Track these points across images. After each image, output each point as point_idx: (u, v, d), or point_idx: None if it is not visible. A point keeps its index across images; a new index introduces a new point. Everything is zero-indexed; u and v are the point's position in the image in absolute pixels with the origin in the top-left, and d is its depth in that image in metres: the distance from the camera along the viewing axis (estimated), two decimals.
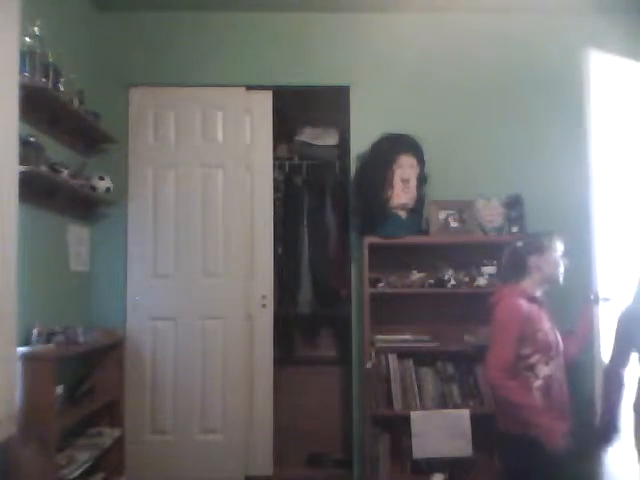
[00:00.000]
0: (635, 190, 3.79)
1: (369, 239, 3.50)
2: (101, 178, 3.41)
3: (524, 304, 2.47)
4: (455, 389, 3.52)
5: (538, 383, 2.41)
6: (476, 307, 3.56)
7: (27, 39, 2.63)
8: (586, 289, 3.04)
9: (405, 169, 3.53)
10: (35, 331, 2.73)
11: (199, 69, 3.79)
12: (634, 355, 2.46)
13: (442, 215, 3.64)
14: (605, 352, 3.19)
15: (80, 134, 3.40)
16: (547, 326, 2.49)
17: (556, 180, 3.79)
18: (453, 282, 3.48)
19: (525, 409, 2.36)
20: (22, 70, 2.55)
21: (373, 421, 3.45)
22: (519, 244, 2.64)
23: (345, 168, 4.01)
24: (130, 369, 3.60)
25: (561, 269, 2.57)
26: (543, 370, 2.42)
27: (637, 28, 3.85)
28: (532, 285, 2.55)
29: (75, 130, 3.30)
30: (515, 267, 2.60)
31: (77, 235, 3.45)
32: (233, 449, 3.64)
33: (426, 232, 3.64)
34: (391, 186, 3.52)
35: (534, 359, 2.42)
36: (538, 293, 2.56)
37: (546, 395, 2.41)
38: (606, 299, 2.84)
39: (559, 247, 2.58)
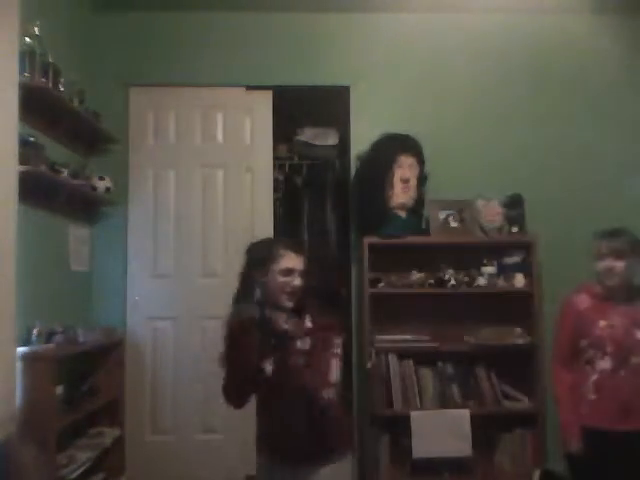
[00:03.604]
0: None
1: (369, 239, 3.50)
2: (101, 178, 3.41)
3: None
4: (455, 389, 3.52)
5: (594, 377, 2.39)
6: (476, 307, 3.59)
7: (27, 39, 2.64)
8: None
9: (405, 169, 3.53)
10: (35, 331, 2.73)
11: (199, 69, 3.79)
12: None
13: (442, 215, 3.64)
14: None
15: (80, 134, 3.40)
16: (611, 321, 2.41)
17: (556, 180, 3.80)
18: (453, 282, 3.48)
19: (557, 401, 2.46)
20: (22, 70, 2.55)
21: (373, 421, 3.45)
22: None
23: (345, 168, 4.01)
24: (130, 369, 3.60)
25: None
26: (600, 364, 2.39)
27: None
28: None
29: (75, 130, 3.30)
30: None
31: (77, 235, 3.45)
32: (233, 449, 3.64)
33: (426, 232, 3.64)
34: (391, 186, 3.52)
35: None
36: None
37: (598, 390, 2.38)
38: None
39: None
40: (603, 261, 2.40)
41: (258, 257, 2.04)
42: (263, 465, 2.09)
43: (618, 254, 2.38)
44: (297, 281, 1.99)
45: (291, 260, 2.00)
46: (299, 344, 1.94)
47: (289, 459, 1.99)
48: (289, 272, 1.98)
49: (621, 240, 2.40)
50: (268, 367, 1.94)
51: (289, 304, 1.98)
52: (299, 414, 1.92)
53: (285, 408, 1.94)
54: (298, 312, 2.01)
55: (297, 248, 2.06)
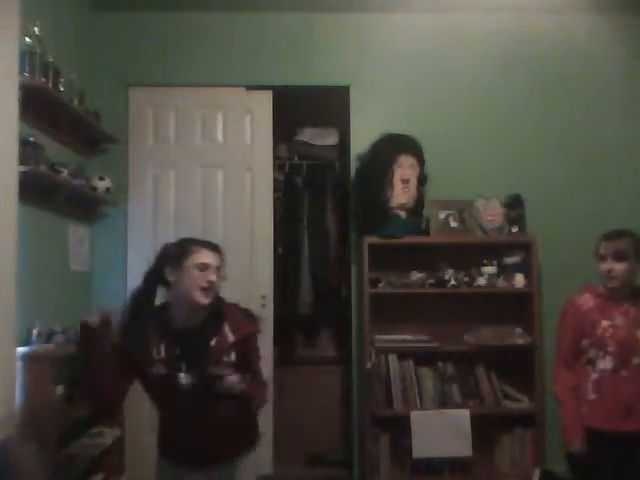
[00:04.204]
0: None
1: (369, 239, 3.50)
2: (101, 178, 3.41)
3: None
4: (455, 389, 3.52)
5: (594, 377, 2.39)
6: (476, 307, 3.59)
7: (27, 39, 2.63)
8: None
9: (405, 169, 3.53)
10: (35, 331, 2.73)
11: (199, 69, 3.79)
12: None
13: (442, 215, 3.64)
14: None
15: (80, 134, 3.39)
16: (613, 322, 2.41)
17: (556, 180, 3.80)
18: (453, 282, 3.47)
19: (559, 401, 2.45)
20: (22, 70, 2.54)
21: (373, 421, 3.45)
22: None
23: (345, 168, 4.01)
24: None
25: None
26: (601, 364, 2.38)
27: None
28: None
29: (75, 130, 3.30)
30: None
31: (77, 235, 3.45)
32: None
33: (426, 232, 3.64)
34: (391, 186, 3.51)
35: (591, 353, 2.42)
36: None
37: (598, 390, 2.38)
38: None
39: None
40: (604, 262, 2.40)
41: (171, 254, 2.05)
42: (164, 466, 2.14)
43: (618, 256, 2.36)
44: (212, 277, 1.99)
45: (206, 256, 2.01)
46: (225, 358, 1.99)
47: (193, 463, 2.06)
48: (204, 267, 1.98)
49: (622, 242, 2.38)
50: (182, 379, 1.99)
51: (205, 300, 1.99)
52: (213, 421, 2.00)
53: (197, 416, 1.99)
54: (219, 320, 2.02)
55: (212, 246, 2.07)
